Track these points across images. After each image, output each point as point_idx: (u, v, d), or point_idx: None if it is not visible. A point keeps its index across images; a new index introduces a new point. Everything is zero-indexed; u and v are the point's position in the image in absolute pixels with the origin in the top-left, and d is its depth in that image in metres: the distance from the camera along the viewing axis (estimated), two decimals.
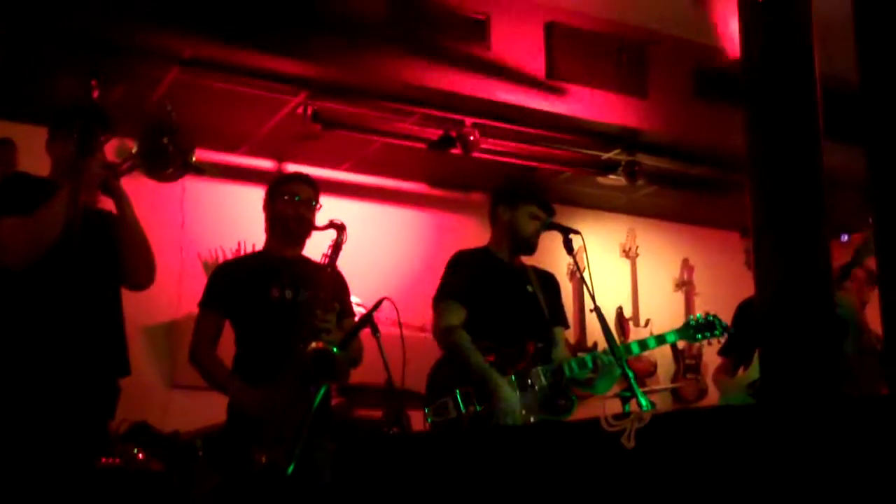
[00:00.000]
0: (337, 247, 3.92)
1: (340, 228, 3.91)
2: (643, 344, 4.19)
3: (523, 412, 3.83)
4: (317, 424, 3.65)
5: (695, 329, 4.25)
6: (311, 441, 3.61)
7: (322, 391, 3.68)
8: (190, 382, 4.93)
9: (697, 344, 5.78)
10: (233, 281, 3.95)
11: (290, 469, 3.52)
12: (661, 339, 4.22)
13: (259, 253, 4.16)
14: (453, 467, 2.91)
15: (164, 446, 4.28)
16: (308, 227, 3.99)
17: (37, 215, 3.23)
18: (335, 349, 3.65)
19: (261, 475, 3.57)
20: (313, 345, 3.65)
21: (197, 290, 4.03)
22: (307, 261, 4.03)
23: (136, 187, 3.53)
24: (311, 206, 4.00)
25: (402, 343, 3.77)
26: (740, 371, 4.64)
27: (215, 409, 3.97)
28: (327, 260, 3.90)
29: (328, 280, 3.90)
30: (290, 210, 3.99)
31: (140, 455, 4.26)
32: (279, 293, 3.89)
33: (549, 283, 4.26)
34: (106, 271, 3.42)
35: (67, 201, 3.17)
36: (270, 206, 4.06)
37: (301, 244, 4.04)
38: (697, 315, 4.30)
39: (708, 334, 4.25)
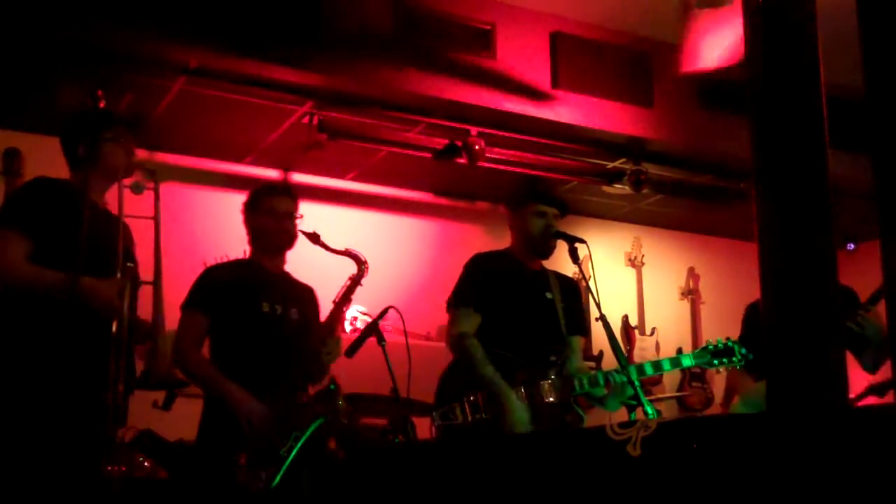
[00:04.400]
0: (355, 282, 3.96)
1: (362, 263, 3.95)
2: (657, 365, 4.12)
3: (531, 426, 3.80)
4: (306, 452, 3.63)
5: (713, 354, 4.12)
6: (297, 467, 3.59)
7: (318, 422, 3.68)
8: (195, 391, 4.94)
9: None
10: (223, 287, 3.92)
11: (274, 483, 3.52)
12: (676, 363, 4.13)
13: (246, 262, 4.10)
14: (459, 475, 2.91)
15: (170, 454, 4.28)
16: (290, 240, 3.98)
17: (25, 274, 3.22)
18: (332, 386, 3.69)
19: (242, 488, 3.55)
20: (324, 383, 3.72)
21: None
22: (289, 277, 4.04)
23: (143, 197, 3.54)
24: (291, 218, 3.98)
25: (408, 351, 3.78)
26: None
27: None
28: (342, 295, 3.94)
29: (310, 298, 3.97)
30: (271, 224, 3.96)
31: (146, 463, 4.26)
32: (269, 308, 3.88)
33: (570, 289, 4.20)
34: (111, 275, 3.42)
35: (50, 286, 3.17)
36: (251, 218, 4.03)
37: (283, 256, 4.04)
38: (718, 340, 4.16)
39: (726, 361, 4.10)
